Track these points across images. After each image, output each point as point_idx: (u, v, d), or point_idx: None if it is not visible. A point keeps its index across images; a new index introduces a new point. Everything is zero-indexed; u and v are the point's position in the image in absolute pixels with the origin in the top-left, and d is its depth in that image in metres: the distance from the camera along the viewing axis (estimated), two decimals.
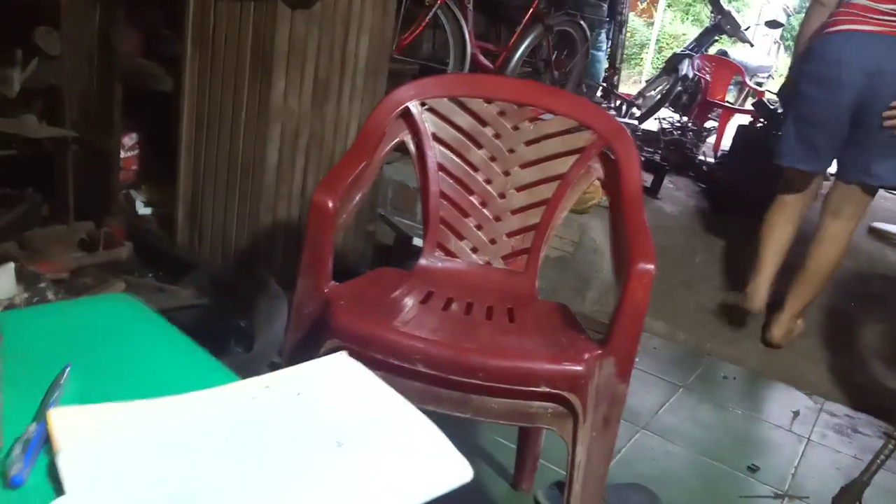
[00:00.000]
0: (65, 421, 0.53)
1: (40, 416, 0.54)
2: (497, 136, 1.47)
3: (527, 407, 1.11)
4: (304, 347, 1.22)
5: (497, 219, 1.46)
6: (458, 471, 0.52)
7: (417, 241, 2.39)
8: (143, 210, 2.36)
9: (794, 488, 1.79)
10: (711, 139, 5.37)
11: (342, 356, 0.65)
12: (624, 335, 1.12)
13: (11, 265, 1.67)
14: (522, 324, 1.28)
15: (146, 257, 2.27)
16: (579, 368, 1.08)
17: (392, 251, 2.53)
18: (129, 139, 2.44)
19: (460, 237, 1.47)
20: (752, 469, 1.84)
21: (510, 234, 1.46)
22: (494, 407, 1.11)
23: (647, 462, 1.79)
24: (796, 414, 2.19)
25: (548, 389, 1.08)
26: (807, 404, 2.27)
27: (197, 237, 2.20)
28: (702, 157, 4.36)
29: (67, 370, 0.60)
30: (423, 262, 1.46)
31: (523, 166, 1.46)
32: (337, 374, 0.61)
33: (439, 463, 0.52)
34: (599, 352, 1.11)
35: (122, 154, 2.39)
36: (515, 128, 1.46)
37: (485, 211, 1.47)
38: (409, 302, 1.31)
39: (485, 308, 1.33)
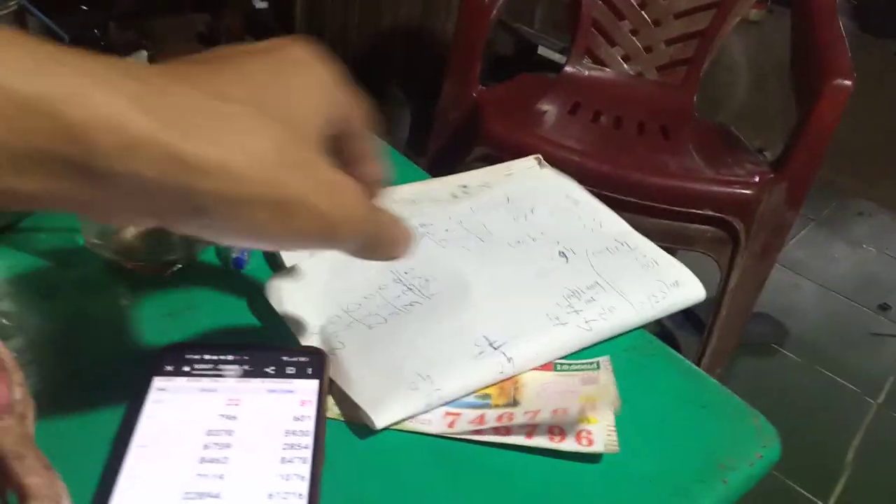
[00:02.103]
0: None
1: None
2: None
3: (684, 229, 1.05)
4: (449, 155, 1.18)
5: (656, 23, 1.32)
6: (690, 288, 0.47)
7: (543, 51, 2.24)
8: (259, 4, 2.27)
9: None
10: None
11: (540, 161, 0.59)
12: (804, 159, 1.02)
13: (144, 53, 1.65)
14: (679, 142, 1.19)
15: None
16: (750, 192, 1.00)
17: (512, 62, 2.39)
18: None
19: (612, 43, 1.35)
20: (884, 308, 1.77)
21: (669, 42, 1.33)
22: (648, 227, 1.06)
23: (775, 293, 1.74)
24: None
25: (711, 213, 1.01)
26: None
27: (315, 36, 2.12)
28: None
29: None
30: (568, 69, 1.35)
31: None
32: (538, 180, 0.56)
33: (670, 278, 0.47)
34: (772, 175, 1.02)
35: None
36: None
37: (643, 13, 1.32)
38: (555, 112, 1.23)
39: (636, 123, 1.24)
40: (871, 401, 1.46)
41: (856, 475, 1.27)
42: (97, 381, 0.37)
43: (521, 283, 0.44)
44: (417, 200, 0.52)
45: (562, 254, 0.47)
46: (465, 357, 0.39)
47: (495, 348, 0.40)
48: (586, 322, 0.42)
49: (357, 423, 0.37)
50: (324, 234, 0.26)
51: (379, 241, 0.30)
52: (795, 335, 1.59)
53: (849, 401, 1.45)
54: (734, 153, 1.14)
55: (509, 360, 0.39)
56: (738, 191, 1.00)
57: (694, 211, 1.01)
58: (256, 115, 0.23)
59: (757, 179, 1.01)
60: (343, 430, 0.36)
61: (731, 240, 1.04)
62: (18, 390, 0.25)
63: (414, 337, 0.40)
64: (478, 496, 0.34)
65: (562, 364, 0.42)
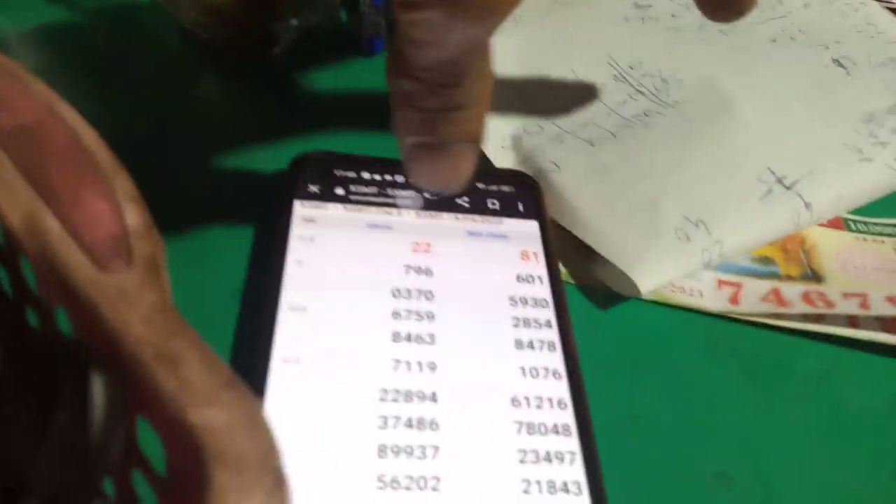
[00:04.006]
0: None
1: None
2: None
3: None
4: None
5: None
6: None
7: None
8: None
9: None
10: None
11: None
12: None
13: None
14: None
15: None
16: None
17: None
18: None
19: None
20: None
21: None
22: None
23: None
24: None
25: None
26: None
27: None
28: None
29: None
30: None
31: None
32: None
33: None
34: None
35: None
36: None
37: None
38: None
39: None
40: None
41: None
42: (195, 206, 0.24)
43: (798, 96, 0.30)
44: None
45: (837, 62, 0.33)
46: (749, 197, 0.26)
47: (787, 187, 0.26)
48: (895, 160, 0.29)
49: (596, 287, 0.24)
50: None
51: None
52: None
53: None
54: None
55: (807, 205, 0.26)
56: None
57: None
58: None
59: None
60: (575, 298, 0.24)
61: None
62: (133, 210, 0.12)
63: (664, 163, 0.26)
64: (780, 404, 0.22)
65: (855, 222, 0.29)
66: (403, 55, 0.15)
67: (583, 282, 0.24)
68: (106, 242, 0.12)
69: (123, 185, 0.13)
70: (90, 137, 0.14)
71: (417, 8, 0.14)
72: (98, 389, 0.10)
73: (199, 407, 0.10)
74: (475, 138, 0.17)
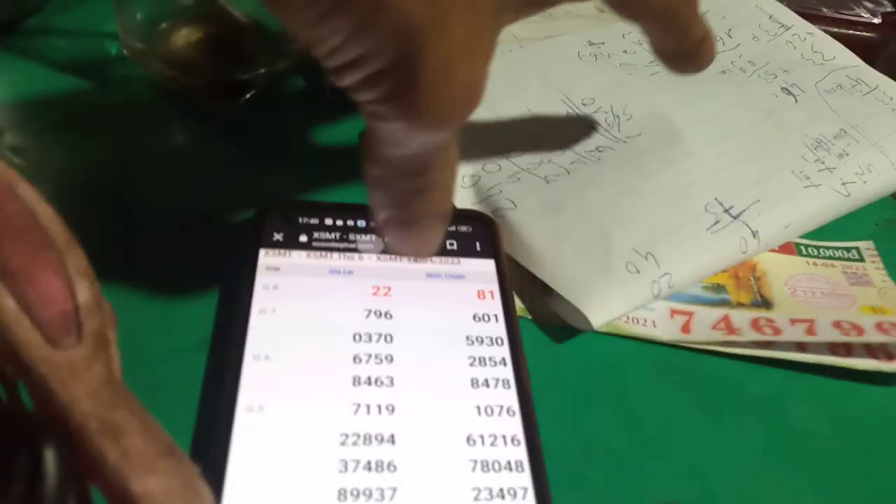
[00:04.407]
0: None
1: None
2: None
3: None
4: None
5: None
6: None
7: None
8: None
9: None
10: None
11: None
12: None
13: None
14: None
15: None
16: (873, 35, 0.85)
17: None
18: None
19: None
20: None
21: None
22: None
23: None
24: None
25: None
26: None
27: None
28: None
29: None
30: None
31: None
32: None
33: None
34: None
35: None
36: None
37: None
38: None
39: None
40: None
41: None
42: (165, 255, 0.25)
43: (747, 126, 0.31)
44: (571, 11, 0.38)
45: (786, 90, 0.34)
46: (696, 228, 0.27)
47: (734, 217, 0.27)
48: (843, 184, 0.30)
49: (551, 322, 0.25)
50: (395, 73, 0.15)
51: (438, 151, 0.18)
52: None
53: None
54: None
55: (754, 234, 0.27)
56: (861, 33, 0.84)
57: None
58: None
59: (879, 21, 0.85)
60: (531, 332, 0.25)
61: None
62: (84, 286, 0.13)
63: (616, 197, 0.28)
64: (730, 430, 0.23)
65: (807, 246, 0.30)
66: (373, 147, 0.17)
67: (539, 316, 0.25)
68: (58, 320, 0.12)
69: (76, 260, 0.14)
70: (46, 214, 0.14)
71: (382, 119, 0.16)
72: (50, 461, 0.11)
73: (139, 475, 0.11)
74: (442, 214, 0.19)
